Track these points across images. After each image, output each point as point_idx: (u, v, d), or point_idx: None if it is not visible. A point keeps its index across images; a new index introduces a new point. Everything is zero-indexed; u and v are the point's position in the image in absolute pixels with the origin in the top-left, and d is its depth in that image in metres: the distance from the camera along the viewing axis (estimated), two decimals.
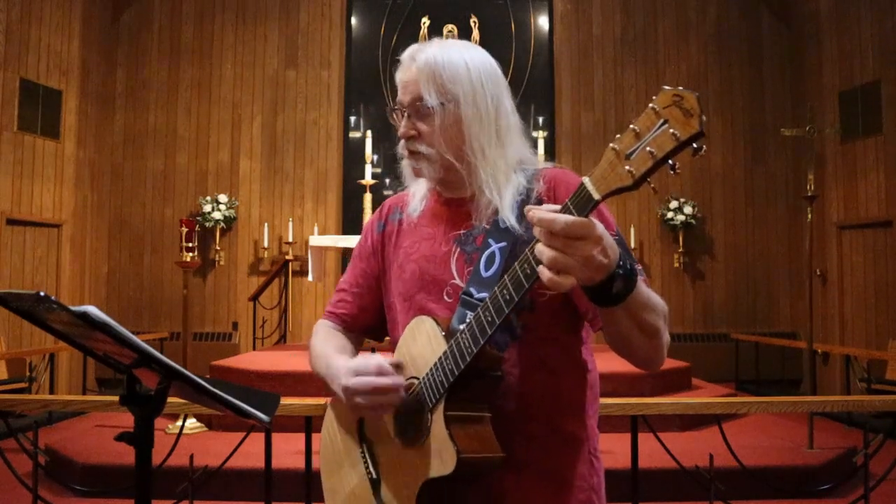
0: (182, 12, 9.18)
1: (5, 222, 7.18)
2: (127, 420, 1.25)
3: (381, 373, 1.29)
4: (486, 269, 1.32)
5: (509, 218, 1.33)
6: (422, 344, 1.33)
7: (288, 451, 4.10)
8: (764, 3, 9.16)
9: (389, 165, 9.27)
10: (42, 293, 1.08)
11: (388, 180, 9.29)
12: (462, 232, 1.41)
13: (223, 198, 8.85)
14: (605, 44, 9.23)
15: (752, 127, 9.09)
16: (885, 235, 7.49)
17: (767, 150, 9.09)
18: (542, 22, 9.44)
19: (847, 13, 7.94)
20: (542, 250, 1.05)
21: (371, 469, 1.40)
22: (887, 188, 7.42)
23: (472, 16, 9.32)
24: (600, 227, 1.06)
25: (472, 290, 1.32)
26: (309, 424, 3.29)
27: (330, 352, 1.49)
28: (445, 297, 1.39)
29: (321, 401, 3.37)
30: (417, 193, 1.51)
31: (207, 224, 8.70)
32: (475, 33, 9.30)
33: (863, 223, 7.77)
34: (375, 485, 1.39)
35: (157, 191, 9.10)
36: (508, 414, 1.32)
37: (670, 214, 8.76)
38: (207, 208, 8.76)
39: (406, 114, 1.40)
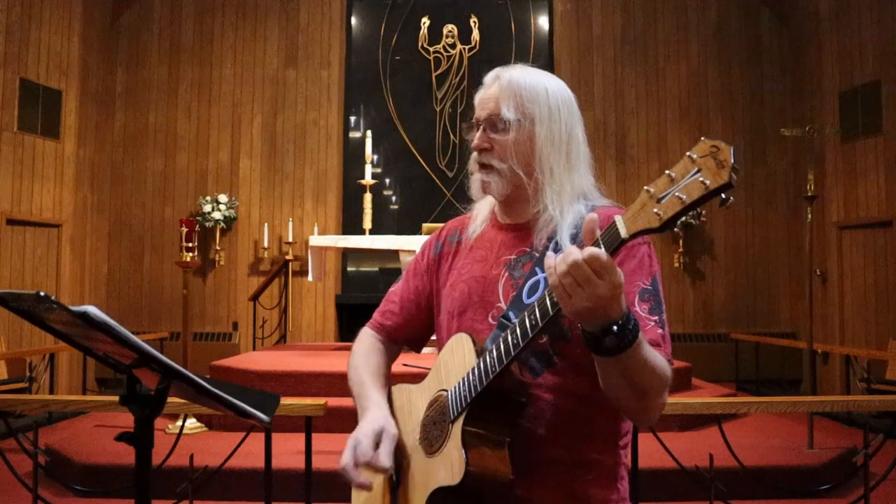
0: (182, 12, 9.18)
1: (5, 222, 7.18)
2: (127, 420, 1.25)
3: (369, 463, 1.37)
4: (529, 296, 1.35)
5: (564, 242, 1.36)
6: (457, 359, 1.37)
7: (288, 451, 4.10)
8: (764, 3, 9.16)
9: (389, 165, 9.28)
10: (42, 293, 1.08)
11: (387, 180, 9.29)
12: (513, 257, 1.44)
13: (223, 198, 8.85)
14: (605, 44, 9.23)
15: (752, 127, 9.09)
16: (885, 235, 7.49)
17: (767, 150, 9.09)
18: (542, 22, 9.44)
19: (847, 13, 7.94)
20: (559, 264, 1.09)
21: (393, 472, 1.44)
22: (887, 188, 7.42)
23: (472, 16, 9.32)
24: (621, 278, 1.09)
25: (510, 314, 1.35)
26: (309, 424, 3.29)
27: (365, 378, 1.57)
28: (490, 320, 1.42)
29: (321, 401, 3.38)
30: (479, 215, 1.54)
31: (207, 224, 8.70)
32: (475, 33, 9.30)
33: (863, 223, 7.77)
34: (394, 487, 1.44)
35: (157, 191, 9.10)
36: (536, 437, 1.34)
37: None
38: (207, 208, 8.76)
39: (482, 127, 1.44)
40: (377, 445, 1.38)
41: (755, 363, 8.19)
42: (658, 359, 1.22)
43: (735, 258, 9.05)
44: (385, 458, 1.37)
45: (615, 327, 1.11)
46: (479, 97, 1.47)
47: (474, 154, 1.45)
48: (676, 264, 8.92)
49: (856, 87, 7.80)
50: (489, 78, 1.46)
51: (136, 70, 9.13)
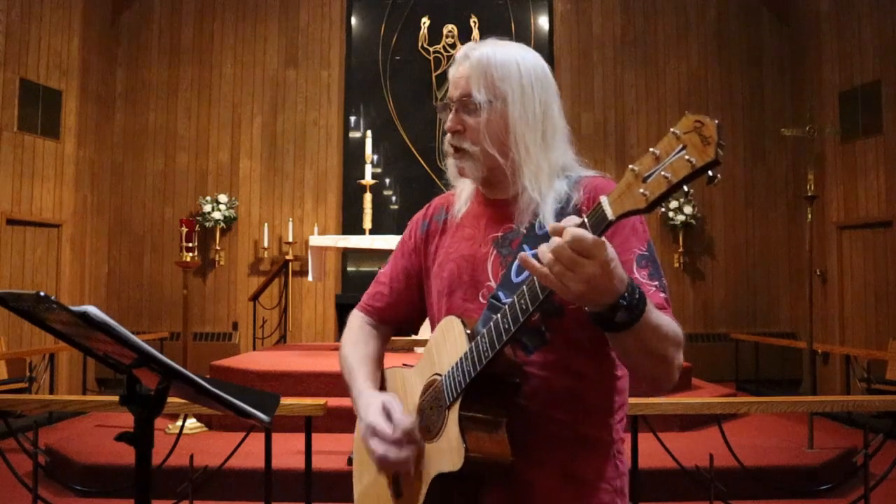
0: (182, 12, 9.18)
1: (5, 222, 7.18)
2: (127, 420, 1.25)
3: (396, 442, 1.34)
4: (518, 274, 1.33)
5: (548, 222, 1.33)
6: (449, 342, 1.36)
7: (288, 451, 4.10)
8: (764, 3, 9.16)
9: (389, 165, 9.28)
10: (42, 293, 1.08)
11: (387, 180, 9.29)
12: (500, 234, 1.42)
13: (223, 198, 8.85)
14: (605, 44, 9.23)
15: (752, 127, 9.10)
16: (885, 235, 7.49)
17: (767, 150, 9.09)
18: (542, 22, 9.44)
19: (847, 13, 7.94)
20: (546, 254, 1.07)
21: None
22: (887, 188, 7.42)
23: (472, 16, 9.32)
24: (611, 252, 1.07)
25: (500, 294, 1.33)
26: (309, 424, 3.29)
27: (356, 364, 1.54)
28: (481, 299, 1.40)
29: (321, 401, 3.38)
30: (463, 193, 1.52)
31: (207, 224, 8.70)
32: (475, 33, 9.29)
33: (863, 223, 7.77)
34: (396, 474, 1.44)
35: (157, 191, 9.10)
36: (532, 414, 1.33)
37: (670, 214, 8.76)
38: (207, 208, 8.76)
39: (454, 108, 1.41)
40: (389, 420, 1.37)
41: (755, 363, 8.20)
42: (668, 321, 1.21)
43: (735, 258, 9.06)
44: (404, 420, 1.35)
45: (623, 301, 1.10)
46: (452, 75, 1.42)
47: (447, 136, 1.43)
48: (676, 264, 8.92)
49: (856, 87, 7.80)
50: (460, 55, 1.42)
51: (136, 70, 9.13)
